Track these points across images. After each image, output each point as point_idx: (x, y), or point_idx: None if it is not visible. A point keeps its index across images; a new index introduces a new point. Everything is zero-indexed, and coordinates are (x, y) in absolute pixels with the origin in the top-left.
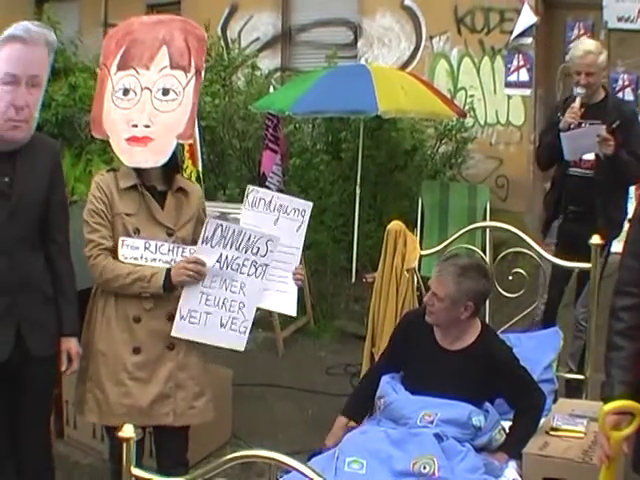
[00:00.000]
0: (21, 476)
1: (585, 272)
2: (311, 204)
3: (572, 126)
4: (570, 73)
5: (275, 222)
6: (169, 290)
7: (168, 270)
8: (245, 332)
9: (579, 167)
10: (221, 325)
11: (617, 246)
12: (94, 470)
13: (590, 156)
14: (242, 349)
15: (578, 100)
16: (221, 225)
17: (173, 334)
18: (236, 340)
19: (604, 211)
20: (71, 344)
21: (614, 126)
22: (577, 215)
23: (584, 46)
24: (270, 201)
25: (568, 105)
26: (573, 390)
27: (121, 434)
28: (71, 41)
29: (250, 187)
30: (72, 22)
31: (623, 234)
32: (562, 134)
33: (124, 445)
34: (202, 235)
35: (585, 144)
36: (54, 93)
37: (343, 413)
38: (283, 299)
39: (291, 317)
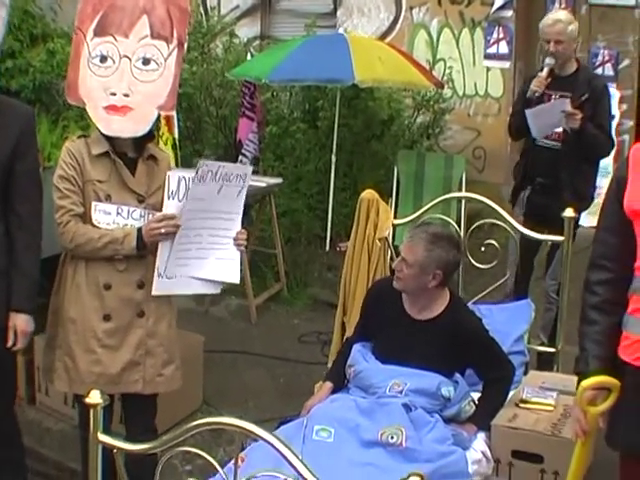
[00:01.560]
0: None
1: (554, 244)
2: (251, 168)
3: (537, 94)
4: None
5: (218, 191)
6: (142, 249)
7: (140, 230)
8: (234, 263)
9: (547, 138)
10: (205, 268)
11: (585, 220)
12: (65, 436)
13: (558, 128)
14: (237, 280)
15: (546, 70)
16: (184, 177)
17: (154, 293)
18: (229, 272)
19: (571, 184)
20: (18, 320)
21: (582, 99)
22: (544, 187)
23: (554, 15)
24: (216, 172)
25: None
26: (544, 362)
27: (88, 400)
28: (50, 7)
29: (200, 162)
30: None
31: (592, 208)
32: (527, 111)
33: (91, 411)
34: (167, 190)
35: (551, 120)
36: (32, 59)
37: (328, 379)
38: (225, 266)
39: (265, 284)
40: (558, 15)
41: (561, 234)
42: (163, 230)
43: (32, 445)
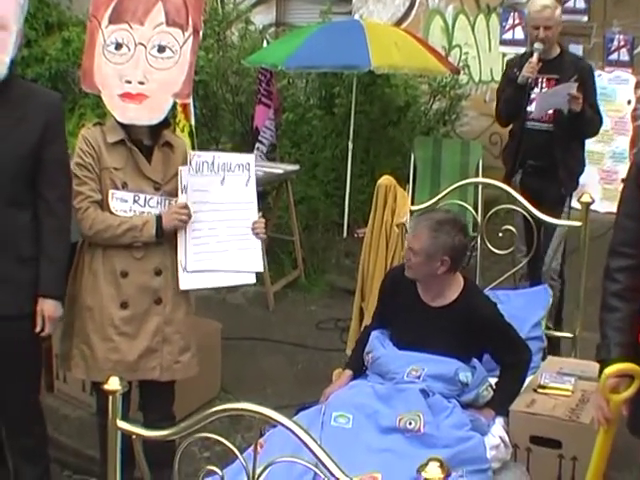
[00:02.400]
0: (8, 435)
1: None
2: (253, 156)
3: (530, 80)
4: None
5: (222, 182)
6: (160, 237)
7: (159, 217)
8: (256, 252)
9: (537, 121)
10: (228, 259)
11: (601, 205)
12: (83, 423)
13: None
14: (261, 269)
15: (536, 55)
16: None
17: (182, 288)
18: (252, 262)
19: (565, 164)
20: (46, 305)
21: (572, 81)
22: (537, 169)
23: (541, 1)
24: (212, 162)
25: (525, 60)
26: (552, 347)
27: (107, 387)
28: None
29: (191, 152)
30: None
31: (610, 193)
32: (537, 94)
33: (110, 398)
34: (180, 185)
35: (555, 101)
36: (48, 47)
37: (347, 367)
38: (247, 256)
39: (282, 271)
40: (544, 1)
41: (555, 215)
42: (183, 217)
43: (50, 432)
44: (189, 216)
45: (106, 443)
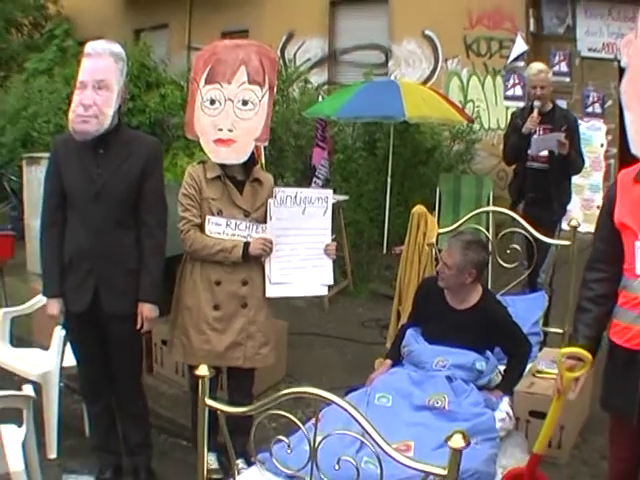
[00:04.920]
0: (118, 404)
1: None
2: (331, 191)
3: (532, 130)
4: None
5: (303, 212)
6: (246, 260)
7: (246, 243)
8: (328, 269)
9: (536, 161)
10: (305, 274)
11: (584, 226)
12: (177, 399)
13: (544, 153)
14: (332, 282)
15: (536, 111)
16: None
17: (268, 295)
18: (324, 277)
19: (557, 196)
20: (144, 308)
21: (562, 130)
22: (535, 200)
23: (537, 66)
24: (295, 196)
25: (526, 113)
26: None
27: (197, 372)
28: (162, 60)
29: (276, 188)
30: (162, 46)
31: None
32: (533, 137)
33: (200, 381)
34: (268, 215)
35: (547, 144)
36: (148, 101)
37: (388, 357)
38: (321, 272)
39: (335, 280)
40: (539, 66)
41: (550, 235)
42: (267, 248)
43: (150, 405)
44: (271, 249)
45: (197, 415)
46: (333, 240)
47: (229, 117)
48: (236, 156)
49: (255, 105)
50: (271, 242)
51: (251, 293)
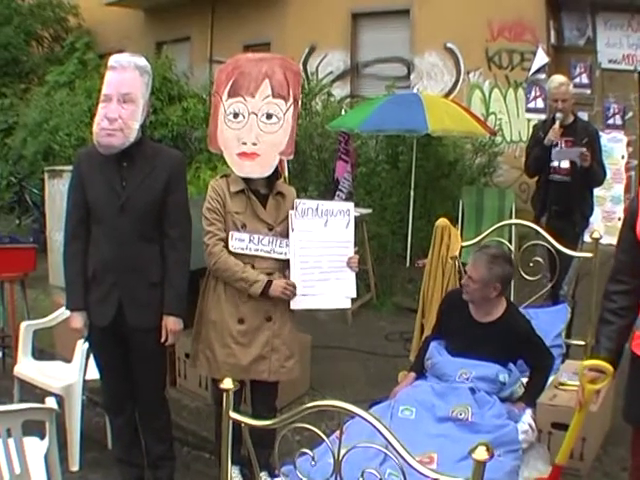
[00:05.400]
0: (141, 418)
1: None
2: (352, 204)
3: (554, 142)
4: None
5: (325, 224)
6: (263, 297)
7: (269, 282)
8: (351, 281)
9: (558, 174)
10: (329, 287)
11: (606, 238)
12: (199, 411)
13: (566, 165)
14: (355, 295)
15: (557, 123)
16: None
17: (292, 307)
18: (347, 289)
19: (579, 208)
20: (169, 321)
21: (583, 142)
22: (558, 213)
23: (558, 79)
24: (317, 208)
25: (547, 126)
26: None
27: (222, 386)
28: (184, 73)
29: (297, 200)
30: (184, 59)
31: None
32: (558, 150)
33: (224, 394)
34: (290, 227)
35: (569, 155)
36: (170, 114)
37: (411, 370)
38: (344, 285)
39: (358, 293)
40: (560, 79)
41: (573, 248)
42: (288, 292)
43: (173, 417)
44: (294, 294)
45: (221, 428)
46: (356, 253)
47: (253, 130)
48: (260, 170)
49: (280, 119)
50: (294, 286)
51: (275, 306)
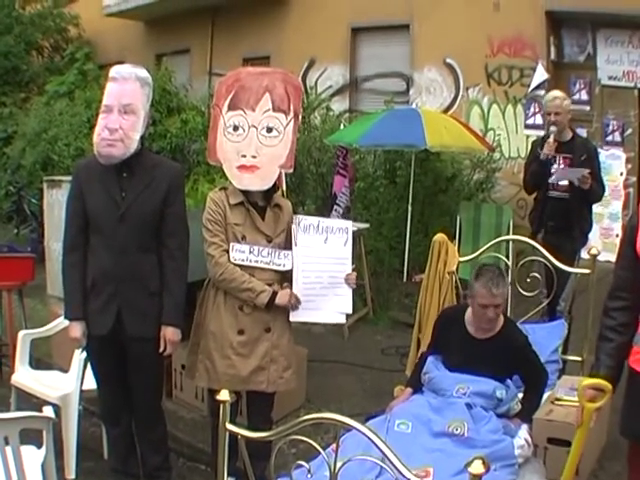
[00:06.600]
0: (137, 428)
1: (564, 273)
2: (351, 222)
3: (549, 157)
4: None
5: (325, 241)
6: (269, 307)
7: (275, 292)
8: (348, 298)
9: (556, 190)
10: (327, 302)
11: (604, 255)
12: (195, 423)
13: (564, 182)
14: (350, 311)
15: (552, 136)
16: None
17: (292, 319)
18: (344, 305)
19: (578, 224)
20: (167, 331)
21: (582, 159)
22: (555, 229)
23: (553, 93)
24: (317, 225)
25: (545, 141)
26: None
27: (218, 397)
28: (183, 86)
29: (299, 216)
30: (184, 71)
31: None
32: (555, 169)
33: (221, 406)
34: (293, 241)
35: (569, 176)
36: (169, 126)
37: (408, 385)
38: (341, 301)
39: (354, 308)
40: (555, 93)
41: (570, 264)
42: (293, 302)
43: (169, 429)
44: (297, 305)
45: (217, 440)
46: (353, 269)
47: (253, 143)
48: (260, 182)
49: (280, 132)
50: (297, 298)
51: (274, 317)
